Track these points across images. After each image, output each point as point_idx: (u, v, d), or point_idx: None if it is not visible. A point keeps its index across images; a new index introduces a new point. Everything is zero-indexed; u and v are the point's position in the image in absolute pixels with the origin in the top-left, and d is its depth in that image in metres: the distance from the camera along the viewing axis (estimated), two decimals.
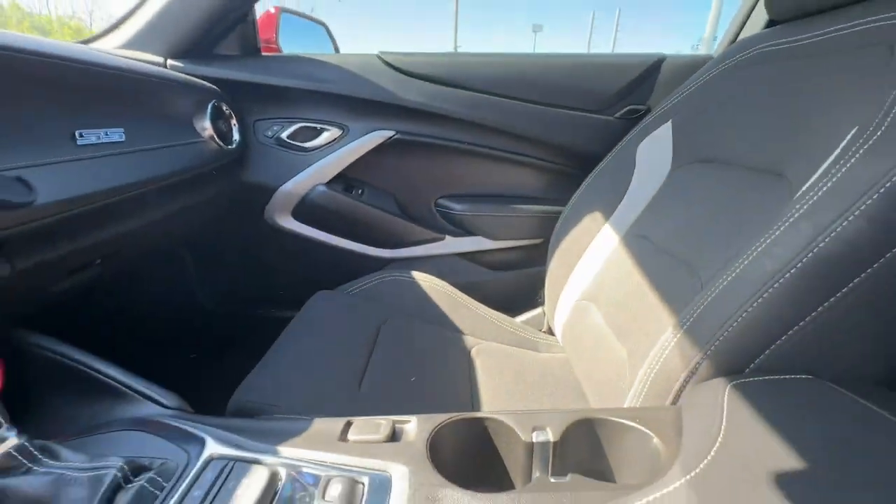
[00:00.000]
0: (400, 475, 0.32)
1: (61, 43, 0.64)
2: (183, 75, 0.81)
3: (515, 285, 1.07)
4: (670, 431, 0.35)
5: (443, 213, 1.07)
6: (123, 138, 0.64)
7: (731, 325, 0.39)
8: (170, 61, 0.88)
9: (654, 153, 0.79)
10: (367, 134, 0.98)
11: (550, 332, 0.92)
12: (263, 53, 1.00)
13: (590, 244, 0.81)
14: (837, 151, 0.41)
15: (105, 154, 0.60)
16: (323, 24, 1.13)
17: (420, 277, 0.93)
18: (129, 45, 0.87)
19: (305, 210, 1.00)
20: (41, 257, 0.51)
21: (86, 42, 0.88)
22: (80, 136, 0.57)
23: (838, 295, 0.37)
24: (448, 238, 1.08)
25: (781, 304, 0.38)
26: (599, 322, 0.68)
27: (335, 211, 1.01)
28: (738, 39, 0.90)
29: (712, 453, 0.29)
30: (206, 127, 0.83)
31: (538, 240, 1.06)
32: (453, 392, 0.68)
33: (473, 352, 0.79)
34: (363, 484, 0.31)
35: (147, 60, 0.85)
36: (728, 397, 0.35)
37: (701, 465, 0.28)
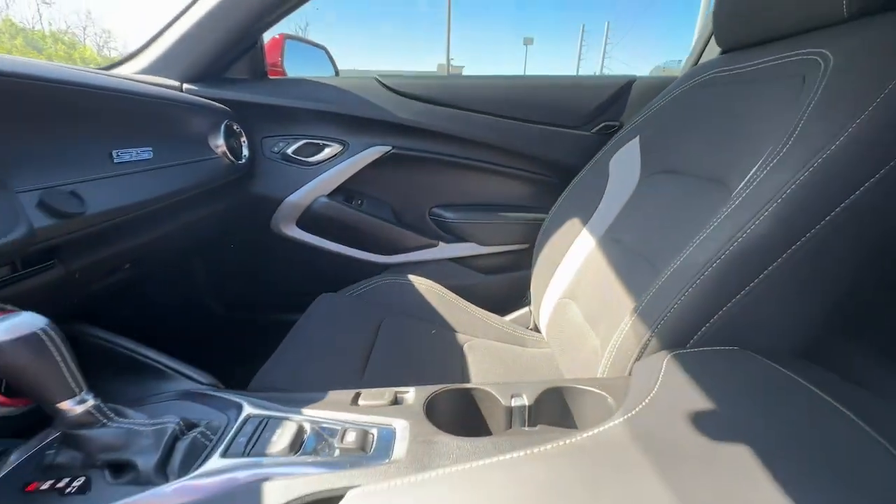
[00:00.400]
0: (402, 427, 0.40)
1: (96, 74, 0.72)
2: (199, 98, 0.89)
3: (504, 287, 1.15)
4: (621, 393, 0.43)
5: (436, 221, 1.16)
6: (151, 156, 0.72)
7: (673, 307, 0.48)
8: (185, 85, 0.96)
9: (624, 165, 0.88)
10: (365, 149, 1.07)
11: (536, 329, 1.00)
12: (270, 77, 1.09)
13: (569, 248, 0.89)
14: (758, 164, 0.50)
15: (137, 171, 0.68)
16: (323, 47, 1.23)
17: (416, 280, 1.01)
18: (148, 70, 0.95)
19: (309, 220, 1.08)
20: (86, 260, 0.58)
21: (110, 67, 0.96)
22: (117, 155, 0.65)
23: (756, 280, 0.45)
24: (441, 244, 1.16)
25: (711, 289, 0.47)
26: (578, 317, 0.76)
27: (337, 220, 1.09)
28: (698, 63, 1.00)
29: (645, 402, 0.37)
30: (219, 144, 0.91)
31: (524, 245, 1.14)
32: (446, 380, 0.75)
33: (465, 347, 0.86)
34: (373, 434, 0.39)
35: (165, 85, 0.93)
36: (666, 365, 0.43)
37: (635, 410, 0.36)
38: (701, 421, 0.35)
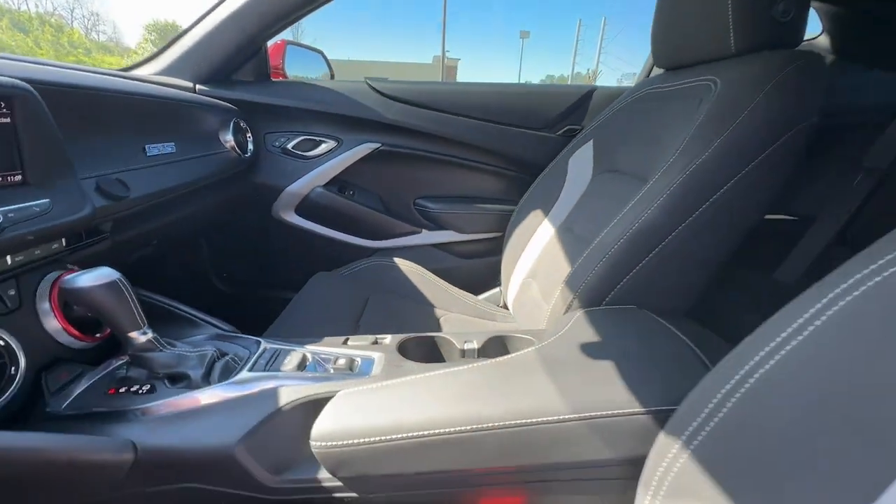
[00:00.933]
0: (379, 357, 0.54)
1: (129, 81, 0.85)
2: (212, 99, 1.02)
3: (479, 270, 1.30)
4: (543, 338, 0.58)
5: (420, 211, 1.30)
6: (175, 150, 0.85)
7: (589, 277, 0.63)
8: (198, 86, 1.08)
9: (580, 164, 1.02)
10: (357, 145, 1.20)
11: (506, 306, 1.14)
12: (273, 79, 1.21)
13: (532, 236, 1.04)
14: (663, 168, 0.65)
15: (164, 162, 0.81)
16: (320, 51, 1.34)
17: (400, 263, 1.15)
18: (165, 72, 1.07)
19: (306, 207, 1.21)
20: (127, 235, 0.72)
21: (130, 68, 1.08)
22: (148, 149, 0.78)
23: (649, 256, 0.60)
24: (424, 231, 1.30)
25: (617, 262, 0.61)
26: (536, 293, 0.90)
27: (331, 208, 1.22)
28: (648, 77, 1.14)
29: (552, 339, 0.52)
30: (228, 140, 1.04)
31: (498, 233, 1.28)
32: None
33: (441, 320, 1.00)
34: (358, 360, 0.53)
35: (180, 86, 1.05)
36: (578, 317, 0.58)
37: (544, 343, 0.51)
38: (585, 347, 0.50)
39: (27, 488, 0.40)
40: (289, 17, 1.03)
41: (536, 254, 0.99)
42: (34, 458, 0.38)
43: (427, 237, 1.30)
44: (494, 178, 1.28)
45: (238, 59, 1.11)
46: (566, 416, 0.41)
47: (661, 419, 0.38)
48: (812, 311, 0.29)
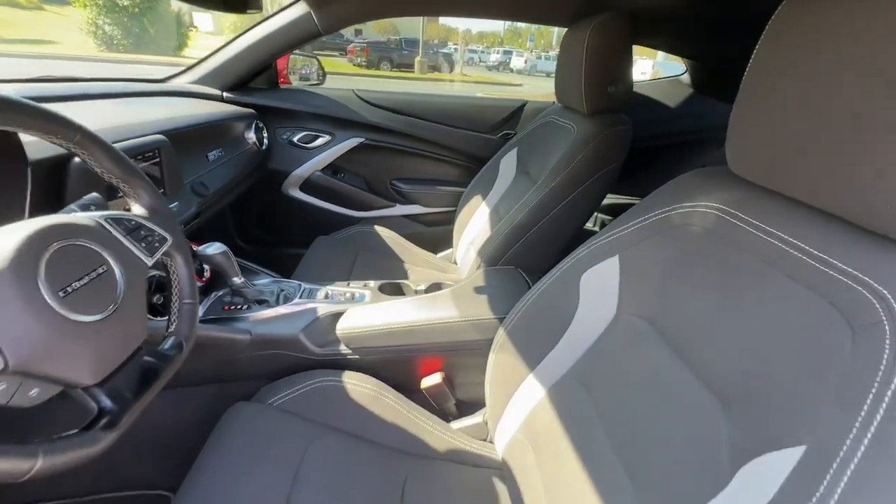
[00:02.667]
0: (368, 294, 0.99)
1: (202, 112, 1.19)
2: (240, 108, 1.38)
3: (438, 234, 1.74)
4: (458, 284, 1.03)
5: (394, 190, 1.71)
6: (222, 153, 1.22)
7: (492, 245, 1.08)
8: (225, 94, 1.43)
9: (507, 164, 1.44)
10: (346, 139, 1.58)
11: (455, 262, 1.60)
12: (281, 85, 1.56)
13: (474, 213, 1.47)
14: (543, 177, 1.09)
15: (219, 164, 1.19)
16: (315, 57, 1.68)
17: (379, 229, 1.57)
18: (198, 81, 1.41)
19: (308, 186, 1.61)
20: (202, 218, 1.12)
21: (169, 78, 1.41)
22: (209, 156, 1.16)
23: (529, 232, 1.06)
24: (398, 205, 1.72)
25: (511, 235, 1.07)
26: (473, 254, 1.36)
27: (327, 187, 1.62)
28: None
29: (460, 285, 0.98)
30: (251, 138, 1.41)
31: (452, 208, 1.71)
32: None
33: (408, 271, 1.45)
34: (356, 294, 0.98)
35: (211, 94, 1.40)
36: (478, 273, 1.03)
37: (455, 287, 0.97)
38: (474, 288, 0.96)
39: (206, 347, 0.83)
40: (296, 46, 1.38)
41: (478, 225, 1.43)
42: (210, 336, 0.81)
43: (399, 210, 1.72)
44: (450, 166, 1.69)
45: (255, 72, 1.45)
46: (458, 320, 0.88)
47: (501, 319, 0.85)
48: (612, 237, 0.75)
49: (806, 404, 0.37)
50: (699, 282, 0.55)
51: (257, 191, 1.59)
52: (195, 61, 1.42)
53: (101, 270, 0.46)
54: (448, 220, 1.74)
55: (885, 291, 0.36)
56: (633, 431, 0.55)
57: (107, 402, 0.46)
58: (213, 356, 0.86)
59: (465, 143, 1.63)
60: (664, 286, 0.59)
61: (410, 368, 0.92)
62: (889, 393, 0.32)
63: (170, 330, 0.59)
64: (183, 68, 1.43)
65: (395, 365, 0.91)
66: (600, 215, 1.93)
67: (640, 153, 1.38)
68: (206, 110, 1.21)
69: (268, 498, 0.64)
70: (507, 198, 1.34)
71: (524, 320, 0.77)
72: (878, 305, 0.36)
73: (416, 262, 1.49)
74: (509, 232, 1.08)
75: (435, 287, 1.08)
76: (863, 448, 0.31)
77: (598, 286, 0.69)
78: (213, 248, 0.88)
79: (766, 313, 0.45)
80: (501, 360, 0.79)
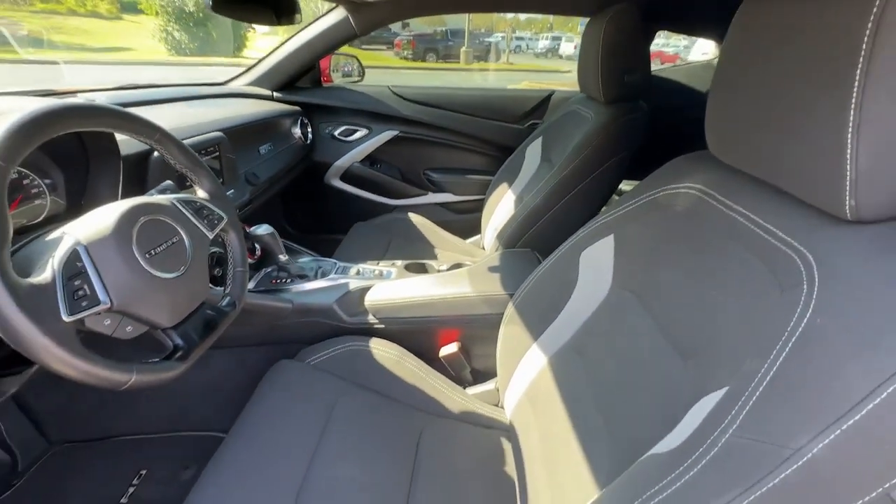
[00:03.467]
0: (395, 271, 1.10)
1: (246, 112, 1.35)
2: (287, 106, 1.53)
3: (468, 221, 1.82)
4: (476, 263, 1.12)
5: (427, 179, 1.81)
6: (272, 147, 1.38)
7: (511, 227, 1.16)
8: (274, 93, 1.59)
9: (533, 152, 1.49)
10: (382, 132, 1.70)
11: (483, 248, 1.68)
12: (323, 84, 1.70)
13: (501, 200, 1.54)
14: (560, 163, 1.14)
15: (269, 157, 1.34)
16: (356, 58, 1.81)
17: (413, 217, 1.68)
18: (253, 83, 1.57)
19: (348, 176, 1.74)
20: (255, 205, 1.27)
21: (229, 81, 1.58)
22: (261, 150, 1.31)
23: (544, 217, 1.13)
24: (430, 194, 1.82)
25: (525, 219, 1.14)
26: (495, 236, 1.43)
27: (365, 177, 1.75)
28: None
29: (478, 265, 1.06)
30: (297, 132, 1.56)
31: (481, 196, 1.79)
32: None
33: (438, 254, 1.55)
34: (384, 272, 1.09)
35: (263, 95, 1.56)
36: (496, 254, 1.11)
37: (473, 266, 1.05)
38: (490, 267, 1.04)
39: (255, 314, 0.98)
40: (336, 47, 1.50)
41: (505, 210, 1.50)
42: (260, 304, 0.96)
43: (432, 198, 1.83)
44: (480, 156, 1.77)
45: (301, 73, 1.60)
46: (472, 294, 0.97)
47: (511, 295, 0.92)
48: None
49: (738, 354, 0.43)
50: (677, 257, 0.60)
51: (302, 181, 1.75)
52: (249, 65, 1.59)
53: (175, 240, 0.59)
54: (478, 207, 1.81)
55: (810, 257, 0.41)
56: (611, 388, 0.62)
57: (179, 341, 0.59)
58: (261, 322, 1.00)
59: (493, 134, 1.70)
60: (649, 262, 0.65)
61: (430, 338, 1.02)
62: (792, 342, 0.37)
63: (226, 291, 0.72)
64: (241, 69, 1.60)
65: (417, 334, 1.02)
66: None
67: (672, 137, 1.38)
68: (258, 109, 1.37)
69: (303, 439, 0.76)
70: (530, 184, 1.40)
71: (530, 295, 0.85)
72: (802, 269, 0.41)
73: (446, 246, 1.59)
74: (526, 216, 1.15)
75: (456, 267, 1.17)
76: (762, 388, 0.37)
77: (595, 263, 0.75)
78: (262, 229, 1.02)
79: (724, 281, 0.51)
80: (510, 331, 0.86)
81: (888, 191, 0.36)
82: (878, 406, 0.31)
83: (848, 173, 0.37)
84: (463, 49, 16.35)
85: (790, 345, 0.37)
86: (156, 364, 0.55)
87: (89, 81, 1.12)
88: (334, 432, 0.77)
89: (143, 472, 0.97)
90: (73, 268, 0.48)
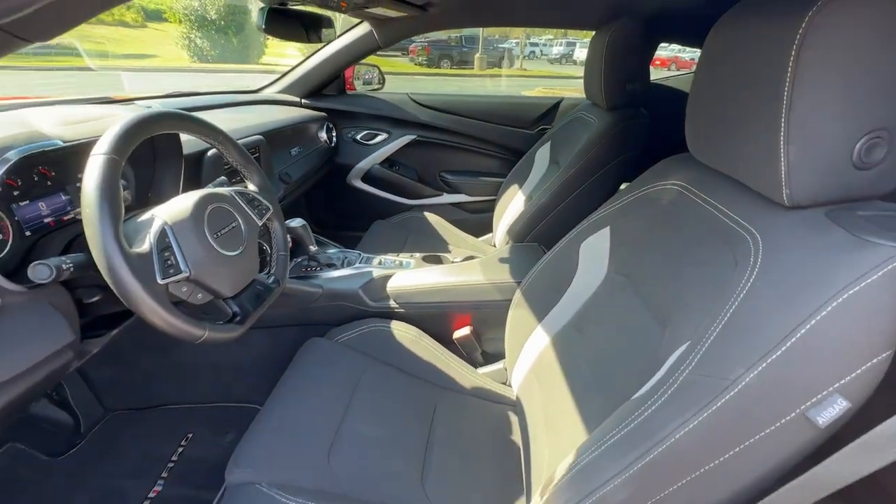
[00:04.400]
0: (413, 262, 1.21)
1: (279, 117, 1.48)
2: (315, 112, 1.66)
3: (481, 221, 1.92)
4: (486, 256, 1.22)
5: (442, 180, 1.92)
6: (301, 150, 1.50)
7: (519, 224, 1.26)
8: (303, 100, 1.72)
9: (541, 156, 1.59)
10: (401, 137, 1.82)
11: (495, 245, 1.78)
12: (347, 91, 1.83)
13: (512, 200, 1.64)
14: (566, 163, 1.24)
15: (297, 159, 1.47)
16: (377, 67, 1.94)
17: (428, 216, 1.79)
18: (284, 91, 1.71)
19: (369, 177, 1.87)
20: (286, 202, 1.40)
21: (261, 89, 1.72)
22: (292, 152, 1.44)
23: (551, 213, 1.22)
24: (445, 194, 1.93)
25: (532, 216, 1.24)
26: (506, 232, 1.53)
27: (384, 178, 1.87)
28: None
29: (487, 257, 1.17)
30: (322, 137, 1.69)
31: (493, 197, 1.89)
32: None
33: (451, 249, 1.66)
34: (404, 262, 1.20)
35: (292, 101, 1.69)
36: (505, 247, 1.21)
37: (483, 259, 1.16)
38: (499, 259, 1.14)
39: (290, 297, 1.09)
40: (359, 58, 1.63)
41: (515, 209, 1.60)
42: (294, 288, 1.07)
43: (447, 198, 1.94)
44: (492, 159, 1.87)
45: (327, 81, 1.73)
46: (483, 282, 1.07)
47: (519, 283, 1.02)
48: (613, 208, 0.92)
49: (701, 314, 0.53)
50: (661, 244, 0.70)
51: (327, 181, 1.88)
52: (266, 70, 1.72)
53: (234, 224, 0.71)
54: (490, 207, 1.92)
55: (758, 235, 0.51)
56: (603, 355, 0.71)
57: (237, 309, 0.71)
58: (294, 304, 1.12)
59: (505, 138, 1.81)
60: (639, 249, 0.75)
61: (445, 321, 1.13)
62: (738, 301, 0.47)
63: (271, 271, 0.84)
64: (271, 78, 1.73)
65: (433, 318, 1.12)
66: None
67: (672, 141, 1.47)
68: (289, 115, 1.50)
69: (332, 406, 0.86)
70: (539, 185, 1.50)
71: (536, 282, 0.95)
72: (751, 245, 0.51)
73: (459, 243, 1.69)
74: (534, 213, 1.25)
75: (468, 259, 1.27)
76: (713, 336, 0.47)
77: (594, 252, 0.85)
78: (296, 222, 1.14)
79: (695, 260, 0.61)
80: (517, 315, 0.96)
81: (812, 180, 0.46)
82: (794, 343, 0.41)
83: (782, 167, 0.46)
84: (477, 55, 16.52)
85: (737, 303, 0.47)
86: (222, 325, 0.66)
87: (141, 89, 1.26)
88: (359, 401, 0.87)
89: (190, 434, 1.09)
90: (163, 242, 0.60)
